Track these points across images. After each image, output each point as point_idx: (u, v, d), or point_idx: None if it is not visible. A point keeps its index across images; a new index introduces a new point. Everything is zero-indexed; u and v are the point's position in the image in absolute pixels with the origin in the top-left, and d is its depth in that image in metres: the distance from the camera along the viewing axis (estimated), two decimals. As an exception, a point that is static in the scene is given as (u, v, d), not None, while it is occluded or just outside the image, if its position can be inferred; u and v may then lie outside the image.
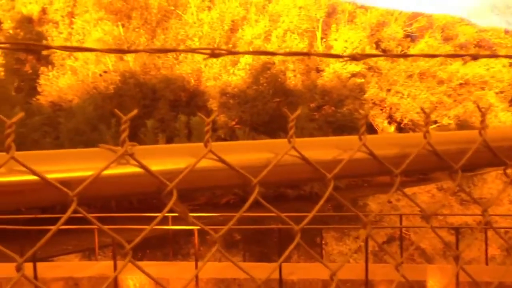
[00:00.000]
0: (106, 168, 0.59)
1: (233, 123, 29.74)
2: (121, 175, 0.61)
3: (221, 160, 0.65)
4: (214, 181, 0.66)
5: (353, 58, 0.65)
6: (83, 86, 29.38)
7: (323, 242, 17.73)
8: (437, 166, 0.77)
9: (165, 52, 0.65)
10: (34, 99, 29.36)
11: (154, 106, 29.34)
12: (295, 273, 9.92)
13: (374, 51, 39.60)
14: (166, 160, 0.64)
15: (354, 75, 35.31)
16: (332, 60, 35.58)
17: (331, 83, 33.68)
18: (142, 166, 0.61)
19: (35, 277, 9.71)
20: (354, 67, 34.75)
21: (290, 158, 0.70)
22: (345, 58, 0.66)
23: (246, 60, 29.76)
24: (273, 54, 0.65)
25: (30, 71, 33.37)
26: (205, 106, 30.04)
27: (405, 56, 0.93)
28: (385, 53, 39.83)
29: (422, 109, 0.77)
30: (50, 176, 0.57)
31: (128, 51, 0.60)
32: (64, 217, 0.57)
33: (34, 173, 0.56)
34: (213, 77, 30.45)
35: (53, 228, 0.56)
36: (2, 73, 31.48)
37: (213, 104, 29.82)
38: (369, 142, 0.72)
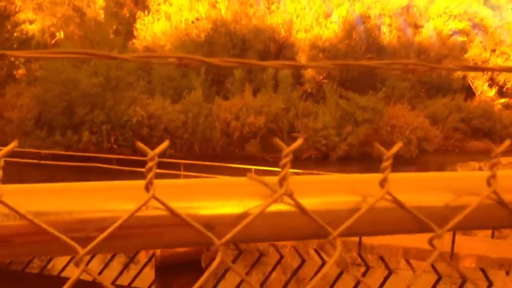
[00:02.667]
0: (260, 212, 0.47)
1: (321, 77, 29.16)
2: (273, 215, 0.49)
3: (399, 204, 0.50)
4: (388, 226, 0.52)
5: None
6: (176, 32, 30.03)
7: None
8: None
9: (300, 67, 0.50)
10: (130, 42, 30.54)
11: (242, 56, 29.41)
12: (375, 238, 9.72)
13: None
14: (329, 198, 0.50)
15: (456, 32, 32.85)
16: (433, 15, 33.30)
17: (430, 40, 31.65)
18: (301, 208, 0.48)
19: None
20: (457, 23, 32.30)
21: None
22: None
23: (340, 12, 28.66)
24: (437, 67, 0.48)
25: (128, 15, 34.58)
26: (294, 58, 29.60)
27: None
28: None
29: None
30: (192, 212, 0.46)
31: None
32: (213, 266, 0.47)
33: (175, 214, 0.45)
34: (304, 29, 29.75)
35: (205, 274, 0.45)
36: (102, 16, 32.96)
37: (302, 57, 29.31)
38: (500, 185, 0.53)
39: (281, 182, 0.47)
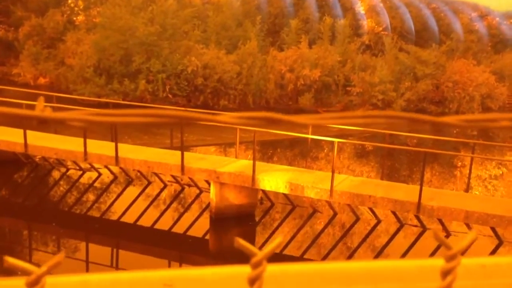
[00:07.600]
0: None
1: (380, 29, 27.89)
2: None
3: None
4: None
5: None
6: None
7: (460, 165, 16.68)
8: None
9: None
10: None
11: (299, 5, 28.48)
12: (435, 199, 9.40)
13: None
14: None
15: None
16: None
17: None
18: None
19: (182, 164, 10.50)
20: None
21: None
22: None
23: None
24: None
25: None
26: (352, 8, 28.41)
27: None
28: None
29: None
30: None
31: None
32: None
33: None
34: (365, -26, 28.32)
35: None
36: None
37: (361, 7, 28.05)
38: None
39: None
